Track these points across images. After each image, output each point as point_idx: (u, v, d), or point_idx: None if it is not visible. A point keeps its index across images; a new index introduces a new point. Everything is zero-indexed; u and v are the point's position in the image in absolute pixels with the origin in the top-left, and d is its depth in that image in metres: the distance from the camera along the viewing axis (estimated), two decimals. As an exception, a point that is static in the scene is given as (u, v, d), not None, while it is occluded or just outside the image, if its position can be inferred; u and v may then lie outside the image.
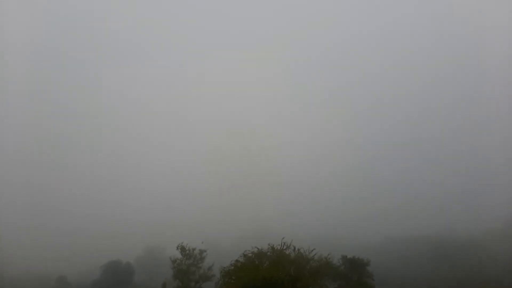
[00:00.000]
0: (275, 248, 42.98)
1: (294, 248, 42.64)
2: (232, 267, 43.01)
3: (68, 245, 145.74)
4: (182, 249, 53.76)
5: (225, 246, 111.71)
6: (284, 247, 42.81)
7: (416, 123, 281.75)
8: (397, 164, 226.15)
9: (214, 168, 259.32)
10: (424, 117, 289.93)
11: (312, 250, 42.60)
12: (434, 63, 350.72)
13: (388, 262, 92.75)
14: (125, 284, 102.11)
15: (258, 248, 43.43)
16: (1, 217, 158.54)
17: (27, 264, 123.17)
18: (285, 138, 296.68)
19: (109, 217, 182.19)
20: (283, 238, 43.09)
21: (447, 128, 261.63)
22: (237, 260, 43.03)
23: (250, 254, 43.19)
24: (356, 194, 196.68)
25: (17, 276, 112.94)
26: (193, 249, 54.16)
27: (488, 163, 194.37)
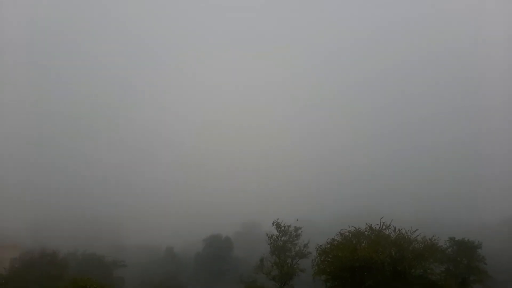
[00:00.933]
0: (374, 228, 41.30)
1: (395, 228, 40.47)
2: (329, 245, 42.42)
3: (174, 220, 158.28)
4: (278, 225, 54.39)
5: (319, 226, 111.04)
6: (383, 227, 40.90)
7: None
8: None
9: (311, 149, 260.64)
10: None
11: (414, 231, 39.97)
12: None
13: (504, 246, 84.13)
14: (225, 257, 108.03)
15: (355, 228, 42.14)
16: (120, 197, 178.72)
17: (139, 236, 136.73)
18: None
19: (209, 195, 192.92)
20: (382, 218, 41.14)
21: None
22: (333, 239, 42.30)
23: (347, 233, 42.14)
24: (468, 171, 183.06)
25: (132, 246, 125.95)
26: (288, 226, 54.53)
27: None
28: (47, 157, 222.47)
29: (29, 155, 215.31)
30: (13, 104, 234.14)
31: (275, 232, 54.60)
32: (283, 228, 54.39)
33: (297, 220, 55.50)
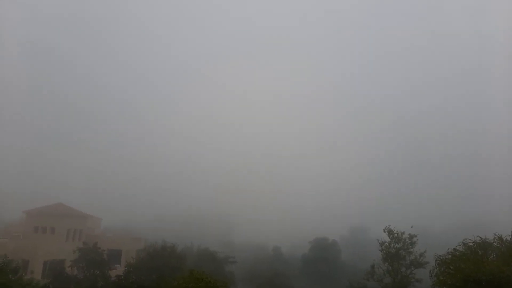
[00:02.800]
0: (504, 239, 36.57)
1: (534, 238, 35.32)
2: (450, 256, 38.80)
3: (280, 221, 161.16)
4: (390, 232, 51.54)
5: (434, 234, 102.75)
6: (516, 239, 36.00)
7: None
8: None
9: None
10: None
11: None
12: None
13: None
14: (332, 260, 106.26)
15: (481, 238, 37.80)
16: (229, 194, 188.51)
17: (248, 235, 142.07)
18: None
19: (313, 197, 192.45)
20: (513, 228, 36.30)
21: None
22: (455, 249, 38.52)
23: (471, 244, 38.01)
24: None
25: (241, 243, 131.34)
26: (402, 233, 51.27)
27: None
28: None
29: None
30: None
31: (386, 238, 51.87)
32: (395, 234, 51.36)
33: (411, 227, 52.00)
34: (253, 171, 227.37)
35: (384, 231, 52.26)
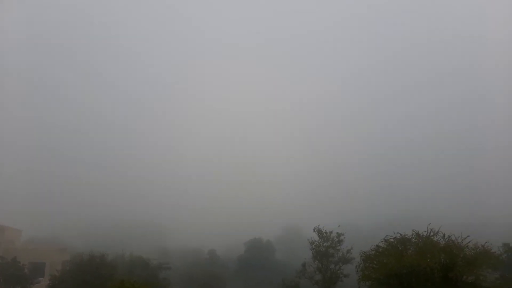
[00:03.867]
0: (421, 234, 39.79)
1: (444, 235, 38.76)
2: (373, 252, 41.40)
3: (215, 223, 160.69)
4: (319, 231, 54.00)
5: (363, 230, 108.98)
6: (431, 234, 39.30)
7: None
8: None
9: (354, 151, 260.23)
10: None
11: (465, 238, 38.11)
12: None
13: None
14: (268, 260, 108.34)
15: (401, 234, 40.80)
16: (165, 200, 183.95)
17: (182, 239, 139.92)
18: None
19: (247, 197, 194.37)
20: (429, 224, 39.58)
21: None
22: (378, 245, 41.17)
23: (392, 240, 40.87)
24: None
25: (176, 249, 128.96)
26: (330, 232, 53.92)
27: None
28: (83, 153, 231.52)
29: (60, 153, 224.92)
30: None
31: (316, 237, 54.23)
32: (324, 234, 53.89)
33: (339, 226, 54.81)
34: (183, 176, 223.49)
35: (314, 230, 54.57)
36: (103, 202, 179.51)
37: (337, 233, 53.86)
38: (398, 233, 41.05)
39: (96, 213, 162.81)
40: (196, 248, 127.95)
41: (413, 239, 39.89)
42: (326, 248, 53.43)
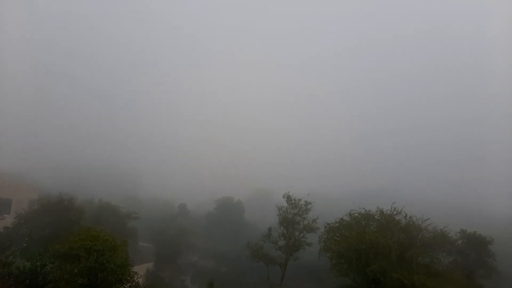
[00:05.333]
0: (384, 212, 40.88)
1: (406, 215, 39.95)
2: (337, 224, 42.43)
3: (189, 178, 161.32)
4: (288, 198, 54.62)
5: (333, 200, 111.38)
6: (394, 213, 40.43)
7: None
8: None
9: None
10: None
11: (426, 220, 39.43)
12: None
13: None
14: (236, 220, 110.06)
15: (365, 210, 41.83)
16: (138, 152, 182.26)
17: (154, 191, 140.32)
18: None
19: (226, 157, 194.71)
20: (393, 203, 40.62)
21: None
22: (342, 219, 42.18)
23: (356, 214, 41.92)
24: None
25: (148, 199, 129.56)
26: (299, 200, 54.66)
27: None
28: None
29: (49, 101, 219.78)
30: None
31: (285, 204, 54.98)
32: (293, 201, 54.59)
33: (308, 194, 55.45)
34: (163, 130, 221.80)
35: (284, 197, 55.26)
36: (80, 146, 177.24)
37: (305, 201, 54.58)
38: (363, 208, 42.11)
39: (71, 156, 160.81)
40: (167, 201, 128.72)
41: (376, 216, 41.03)
42: (293, 215, 54.32)
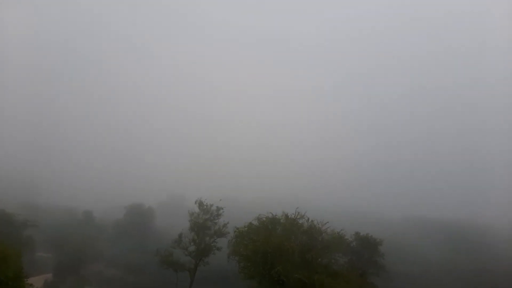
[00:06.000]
0: (289, 216, 43.36)
1: (308, 218, 42.83)
2: (246, 229, 43.90)
3: (97, 183, 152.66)
4: (200, 204, 55.14)
5: (244, 207, 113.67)
6: (298, 217, 43.09)
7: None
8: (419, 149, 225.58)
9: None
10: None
11: (325, 223, 42.68)
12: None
13: (404, 241, 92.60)
14: (147, 227, 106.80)
15: (272, 214, 43.94)
16: (36, 154, 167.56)
17: (56, 197, 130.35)
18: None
19: (137, 160, 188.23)
20: (297, 208, 43.34)
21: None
22: (250, 223, 43.77)
23: (264, 219, 43.79)
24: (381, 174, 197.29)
25: (48, 206, 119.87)
26: (211, 205, 55.43)
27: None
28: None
29: None
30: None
31: (197, 209, 55.37)
32: (205, 206, 55.22)
33: (220, 200, 56.56)
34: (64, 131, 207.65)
35: (196, 203, 55.68)
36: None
37: (217, 207, 55.56)
38: (270, 213, 44.21)
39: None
40: (70, 208, 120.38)
41: (282, 220, 43.35)
42: (205, 221, 54.92)
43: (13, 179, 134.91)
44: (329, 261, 41.58)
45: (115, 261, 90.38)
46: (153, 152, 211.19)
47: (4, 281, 28.29)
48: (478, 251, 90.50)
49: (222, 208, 55.76)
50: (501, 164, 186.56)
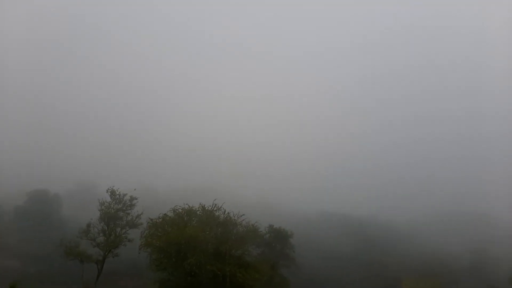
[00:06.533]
0: (206, 208, 43.25)
1: (224, 211, 43.12)
2: (160, 220, 42.87)
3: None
4: (112, 193, 52.47)
5: (163, 198, 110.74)
6: (215, 209, 43.17)
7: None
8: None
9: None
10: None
11: (241, 215, 43.30)
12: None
13: (316, 234, 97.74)
14: (51, 215, 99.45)
15: (188, 205, 43.47)
16: None
17: None
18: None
19: (44, 144, 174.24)
20: (215, 200, 43.46)
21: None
22: (165, 214, 42.87)
23: (180, 210, 43.17)
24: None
25: None
26: (124, 195, 53.05)
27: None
28: None
29: None
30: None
31: (108, 198, 52.69)
32: (118, 196, 52.76)
33: (135, 189, 54.40)
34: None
35: (107, 191, 52.99)
36: None
37: (130, 196, 53.34)
38: (187, 204, 43.69)
39: None
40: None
41: (198, 212, 43.09)
42: (116, 211, 52.45)
43: None
44: (243, 253, 42.24)
45: (14, 251, 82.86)
46: (64, 137, 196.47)
47: None
48: (378, 245, 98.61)
49: (136, 198, 53.77)
50: (406, 162, 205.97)
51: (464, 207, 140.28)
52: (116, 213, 52.06)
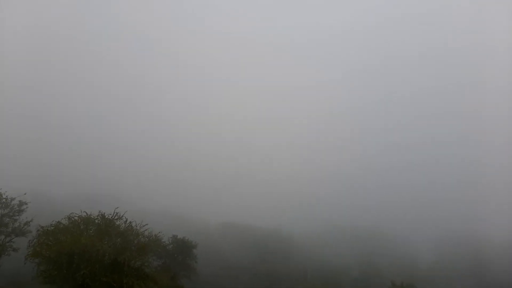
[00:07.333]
0: (106, 216, 41.19)
1: (126, 220, 41.48)
2: (53, 228, 39.69)
3: None
4: (-1, 196, 47.34)
5: (57, 204, 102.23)
6: (116, 217, 41.32)
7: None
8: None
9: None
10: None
11: (144, 225, 42.04)
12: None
13: (219, 246, 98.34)
14: None
15: (86, 213, 41.00)
16: None
17: None
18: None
19: None
20: (116, 208, 41.59)
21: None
22: (59, 222, 39.82)
23: (76, 218, 40.47)
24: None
25: None
26: (12, 199, 48.08)
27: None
28: None
29: None
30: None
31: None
32: (4, 200, 47.67)
33: (25, 194, 49.65)
34: None
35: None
36: None
37: (19, 201, 48.53)
38: (84, 212, 41.13)
39: None
40: None
41: (97, 220, 40.77)
42: (1, 216, 47.27)
43: None
44: (142, 264, 40.88)
45: None
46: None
47: None
48: (278, 255, 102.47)
49: (26, 203, 49.08)
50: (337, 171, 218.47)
51: (356, 221, 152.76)
52: (1, 218, 46.95)
